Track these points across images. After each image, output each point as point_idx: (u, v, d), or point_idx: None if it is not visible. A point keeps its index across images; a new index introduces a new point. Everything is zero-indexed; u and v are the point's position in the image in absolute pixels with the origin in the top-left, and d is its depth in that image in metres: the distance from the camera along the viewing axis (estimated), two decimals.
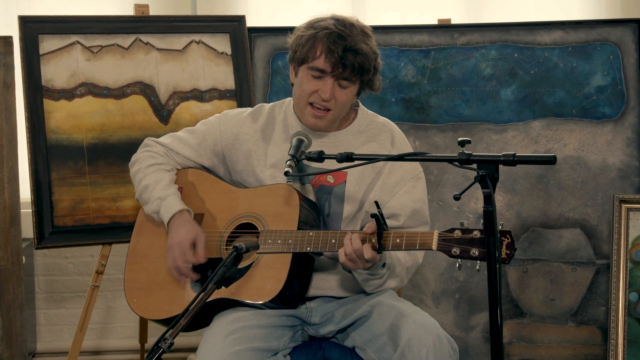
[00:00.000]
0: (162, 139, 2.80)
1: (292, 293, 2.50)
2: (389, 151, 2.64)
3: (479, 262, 2.18)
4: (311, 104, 2.54)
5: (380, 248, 2.31)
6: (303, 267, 2.52)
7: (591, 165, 3.71)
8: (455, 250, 2.20)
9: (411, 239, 2.29)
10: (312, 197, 2.61)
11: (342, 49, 2.46)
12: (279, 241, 2.47)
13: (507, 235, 2.14)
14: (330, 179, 2.61)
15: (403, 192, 2.60)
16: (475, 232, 2.18)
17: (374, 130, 2.68)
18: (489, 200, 2.03)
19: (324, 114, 2.55)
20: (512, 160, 2.06)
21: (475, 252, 2.17)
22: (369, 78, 2.55)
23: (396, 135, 2.69)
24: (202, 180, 2.74)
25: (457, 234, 2.21)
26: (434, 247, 2.24)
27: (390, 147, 2.66)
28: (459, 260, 2.21)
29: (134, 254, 2.75)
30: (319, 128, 2.59)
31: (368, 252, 2.31)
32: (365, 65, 2.49)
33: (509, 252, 2.14)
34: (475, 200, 3.70)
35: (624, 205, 3.64)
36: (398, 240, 2.30)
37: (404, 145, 2.69)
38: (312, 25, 2.54)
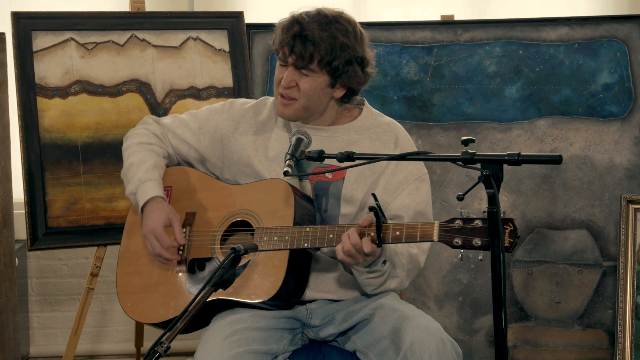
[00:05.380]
0: (162, 119, 2.79)
1: (290, 290, 2.48)
2: (391, 151, 2.61)
3: (481, 251, 2.15)
4: (281, 94, 2.56)
5: (380, 241, 2.27)
6: (301, 263, 2.50)
7: (598, 164, 3.71)
8: (457, 241, 2.17)
9: (411, 230, 2.26)
10: (309, 193, 2.59)
11: (292, 36, 2.47)
12: (275, 238, 2.45)
13: (510, 223, 2.11)
14: (328, 174, 2.59)
15: (406, 194, 2.57)
16: (476, 222, 2.15)
17: (378, 129, 2.65)
18: (493, 200, 2.03)
19: (290, 102, 2.55)
20: (517, 160, 2.05)
21: (477, 241, 2.14)
22: (337, 70, 2.49)
23: (400, 136, 2.66)
24: (192, 177, 2.72)
25: (458, 223, 2.18)
26: (435, 238, 2.21)
27: (394, 147, 2.63)
28: (461, 251, 2.18)
29: (125, 257, 2.73)
30: (287, 117, 2.59)
31: (367, 245, 2.28)
32: (321, 53, 2.46)
33: (512, 240, 2.11)
34: (479, 200, 3.70)
35: (632, 206, 3.64)
36: (398, 233, 2.27)
37: (409, 146, 2.66)
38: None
